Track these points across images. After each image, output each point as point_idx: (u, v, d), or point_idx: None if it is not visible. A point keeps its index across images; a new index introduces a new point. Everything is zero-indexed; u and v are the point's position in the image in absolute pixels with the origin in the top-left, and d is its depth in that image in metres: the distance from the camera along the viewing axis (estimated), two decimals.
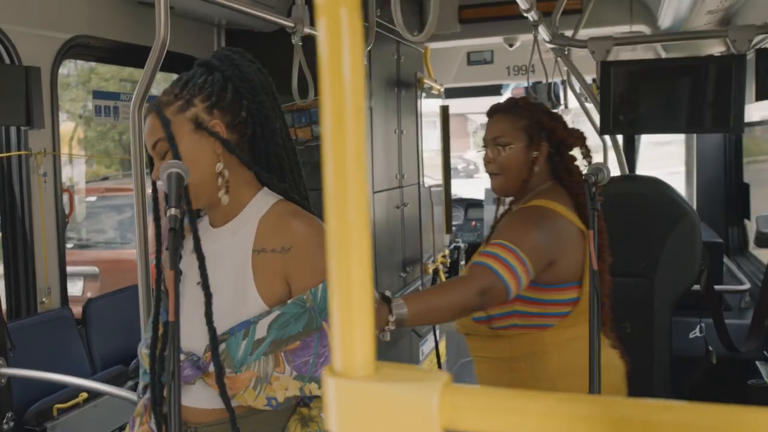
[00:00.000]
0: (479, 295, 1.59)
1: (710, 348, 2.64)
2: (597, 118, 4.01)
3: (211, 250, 1.33)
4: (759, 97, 2.64)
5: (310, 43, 3.69)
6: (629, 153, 4.08)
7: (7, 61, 2.32)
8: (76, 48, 2.58)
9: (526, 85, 4.83)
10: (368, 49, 3.17)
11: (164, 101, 1.34)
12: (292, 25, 2.39)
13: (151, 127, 1.33)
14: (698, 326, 2.67)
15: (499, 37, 4.20)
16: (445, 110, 4.39)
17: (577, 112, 4.51)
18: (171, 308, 1.12)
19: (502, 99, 1.94)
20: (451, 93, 5.51)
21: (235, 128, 1.35)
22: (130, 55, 2.89)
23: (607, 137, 3.36)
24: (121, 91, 2.91)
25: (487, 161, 1.87)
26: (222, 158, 1.34)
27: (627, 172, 2.97)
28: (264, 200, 1.38)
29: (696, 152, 4.09)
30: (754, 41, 2.68)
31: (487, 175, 1.90)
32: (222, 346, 1.29)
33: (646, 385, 2.62)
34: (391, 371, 0.34)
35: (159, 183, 1.25)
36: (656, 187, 2.59)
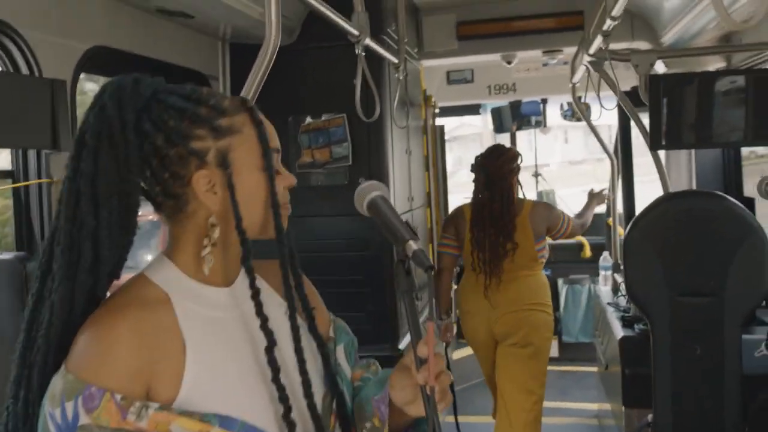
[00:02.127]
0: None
1: None
2: (610, 133, 3.94)
3: (235, 313, 1.02)
4: None
5: (320, 54, 3.46)
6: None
7: (26, 73, 1.98)
8: (94, 60, 2.25)
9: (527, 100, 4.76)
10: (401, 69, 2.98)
11: None
12: (357, 33, 2.16)
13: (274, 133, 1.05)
14: (763, 343, 2.60)
15: (497, 54, 4.10)
16: (441, 129, 4.25)
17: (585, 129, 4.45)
18: (431, 370, 0.87)
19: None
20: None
21: None
22: (146, 69, 2.58)
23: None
24: None
25: None
26: None
27: (669, 189, 2.88)
28: None
29: (695, 167, 4.10)
30: None
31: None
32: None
33: (716, 407, 2.52)
34: None
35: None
36: (722, 202, 2.50)
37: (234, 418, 0.91)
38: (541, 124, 5.99)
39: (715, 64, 3.94)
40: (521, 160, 3.30)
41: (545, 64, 4.98)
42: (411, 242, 0.91)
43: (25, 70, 1.98)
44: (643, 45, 3.87)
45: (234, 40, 3.15)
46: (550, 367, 3.36)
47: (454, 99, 5.23)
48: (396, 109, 3.24)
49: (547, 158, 6.60)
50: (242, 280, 1.01)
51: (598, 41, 2.60)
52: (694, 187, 3.16)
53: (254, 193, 0.98)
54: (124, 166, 0.91)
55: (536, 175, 6.25)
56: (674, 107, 2.65)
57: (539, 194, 5.84)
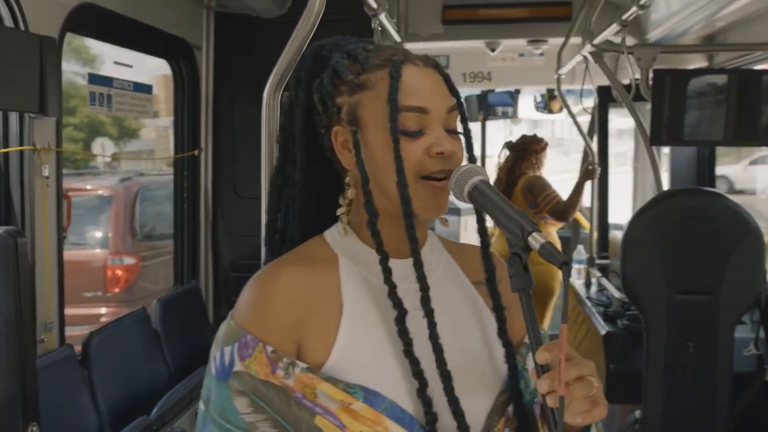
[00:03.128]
0: None
1: (766, 366, 2.59)
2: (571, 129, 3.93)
3: (409, 287, 0.94)
4: None
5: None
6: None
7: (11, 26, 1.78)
8: (81, 18, 2.06)
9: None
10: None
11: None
12: (375, 6, 2.03)
13: (444, 88, 0.93)
14: (752, 343, 2.61)
15: (481, 41, 4.02)
16: None
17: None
18: (562, 374, 0.77)
19: None
20: None
21: None
22: (132, 33, 2.40)
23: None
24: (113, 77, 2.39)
25: None
26: None
27: (663, 187, 2.87)
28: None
29: (671, 165, 4.14)
30: None
31: None
32: (510, 409, 0.96)
33: (707, 405, 2.52)
34: None
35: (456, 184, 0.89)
36: (722, 201, 2.50)
37: (382, 396, 0.85)
38: (508, 114, 5.97)
39: (695, 63, 3.97)
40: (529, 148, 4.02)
41: (522, 54, 4.93)
42: (536, 234, 0.80)
43: (9, 23, 1.78)
44: (629, 41, 3.86)
45: (220, 8, 2.97)
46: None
47: None
48: None
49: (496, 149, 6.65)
50: (428, 252, 0.97)
51: (610, 31, 2.54)
52: (659, 181, 3.18)
53: (382, 156, 0.90)
54: (294, 121, 0.96)
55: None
56: (677, 103, 2.62)
57: None
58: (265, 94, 1.37)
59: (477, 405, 0.92)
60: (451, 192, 0.90)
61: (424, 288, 0.90)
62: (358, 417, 0.84)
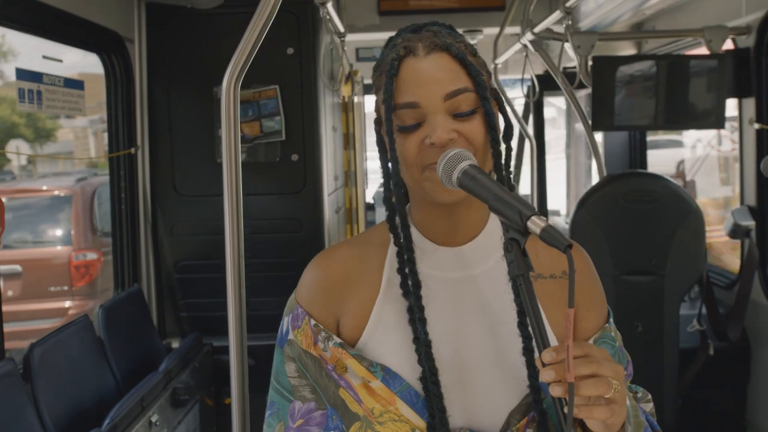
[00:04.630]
0: None
1: (708, 341, 2.69)
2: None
3: (461, 275, 0.95)
4: (730, 95, 2.74)
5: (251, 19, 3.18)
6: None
7: None
8: (2, 8, 1.92)
9: None
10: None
11: (456, 44, 0.91)
12: None
13: (450, 70, 0.89)
14: (695, 319, 2.71)
15: None
16: (362, 107, 4.12)
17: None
18: (570, 359, 0.76)
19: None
20: None
21: None
22: (58, 24, 2.26)
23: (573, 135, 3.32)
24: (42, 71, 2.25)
25: None
26: None
27: (605, 172, 2.93)
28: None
29: (604, 149, 4.25)
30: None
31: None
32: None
33: (656, 381, 2.60)
34: None
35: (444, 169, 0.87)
36: (663, 183, 2.57)
37: (400, 377, 0.89)
38: None
39: (625, 50, 4.09)
40: None
41: None
42: (535, 218, 0.78)
43: None
44: (557, 29, 3.93)
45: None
46: None
47: (363, 76, 5.10)
48: (325, 82, 3.08)
49: None
50: (479, 244, 0.95)
51: (552, 19, 2.57)
52: (601, 166, 3.25)
53: (392, 153, 0.92)
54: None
55: None
56: (615, 89, 2.68)
57: None
58: (224, 85, 1.31)
59: (496, 402, 0.90)
60: (441, 180, 0.88)
61: (417, 298, 0.90)
62: (374, 394, 0.89)
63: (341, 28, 2.72)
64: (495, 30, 3.76)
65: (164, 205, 2.96)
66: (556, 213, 4.98)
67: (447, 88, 0.89)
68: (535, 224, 0.78)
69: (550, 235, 0.77)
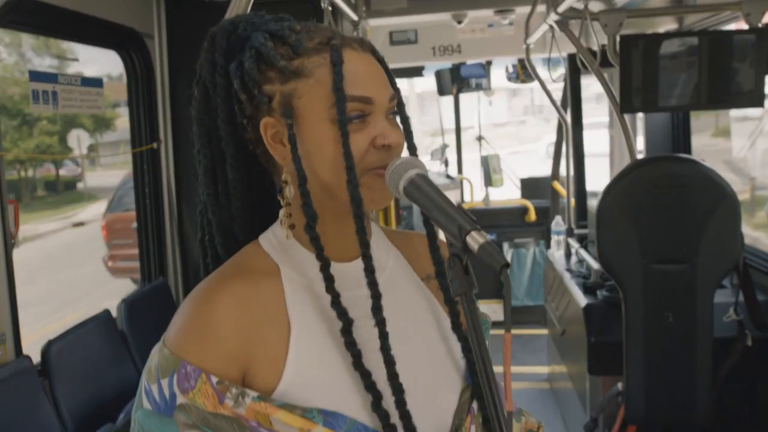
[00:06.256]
0: None
1: (746, 331, 2.56)
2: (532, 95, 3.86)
3: (359, 293, 0.87)
4: None
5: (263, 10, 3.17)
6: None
7: None
8: (15, 12, 1.95)
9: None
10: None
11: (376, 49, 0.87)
12: None
13: (383, 74, 0.86)
14: (731, 308, 2.58)
15: (447, 14, 3.91)
16: None
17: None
18: (508, 389, 0.71)
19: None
20: None
21: None
22: (73, 25, 2.28)
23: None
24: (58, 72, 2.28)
25: None
26: None
27: (635, 155, 2.81)
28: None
29: (646, 131, 4.08)
30: None
31: None
32: (474, 405, 0.90)
33: (687, 373, 2.49)
34: None
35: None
36: (696, 167, 2.44)
37: (342, 415, 0.79)
38: (481, 86, 5.89)
39: (665, 26, 3.90)
40: None
41: (491, 25, 4.84)
42: (474, 233, 0.73)
43: None
44: (597, 5, 3.77)
45: None
46: (493, 332, 3.26)
47: (397, 61, 5.02)
48: None
49: (472, 120, 6.66)
50: (374, 249, 0.87)
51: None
52: (633, 150, 3.12)
53: (325, 150, 0.81)
54: (215, 112, 0.85)
55: (480, 138, 6.15)
56: (646, 69, 2.55)
57: (483, 158, 5.75)
58: None
59: (443, 407, 0.87)
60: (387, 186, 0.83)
61: (376, 295, 0.82)
62: None
63: (354, 17, 2.67)
64: (528, 9, 3.65)
65: (189, 198, 2.99)
66: (597, 195, 4.83)
67: (390, 90, 0.85)
68: (474, 240, 0.73)
69: (486, 253, 0.72)
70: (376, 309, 0.83)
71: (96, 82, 2.48)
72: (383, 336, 0.82)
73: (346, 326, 0.81)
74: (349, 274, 0.86)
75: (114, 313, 2.47)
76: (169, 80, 2.90)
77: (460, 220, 0.75)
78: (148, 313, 2.61)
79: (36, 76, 2.15)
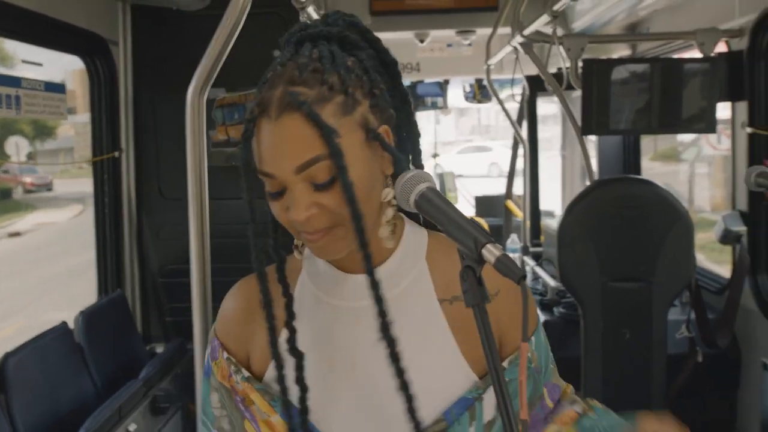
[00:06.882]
0: None
1: (697, 348, 2.66)
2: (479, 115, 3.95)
3: (364, 304, 0.89)
4: (723, 99, 2.71)
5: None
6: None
7: None
8: None
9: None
10: None
11: (311, 94, 0.81)
12: None
13: (300, 138, 0.80)
14: (683, 326, 2.67)
15: (410, 32, 3.97)
16: None
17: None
18: (523, 397, 0.73)
19: None
20: None
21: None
22: (38, 28, 2.23)
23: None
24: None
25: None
26: (390, 182, 0.89)
27: (595, 177, 2.90)
28: (416, 233, 0.96)
29: (598, 153, 4.21)
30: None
31: None
32: None
33: (644, 389, 2.57)
34: None
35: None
36: (652, 189, 2.54)
37: (298, 410, 0.89)
38: (437, 105, 5.98)
39: (619, 52, 4.05)
40: None
41: (449, 45, 4.93)
42: (490, 246, 0.75)
43: None
44: (548, 31, 3.89)
45: (137, 1, 2.81)
46: None
47: None
48: None
49: (427, 138, 6.74)
50: (396, 263, 0.92)
51: (540, 21, 2.54)
52: (591, 171, 3.22)
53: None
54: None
55: (435, 155, 6.22)
56: (605, 92, 2.65)
57: (438, 176, 5.81)
58: (189, 94, 1.28)
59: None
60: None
61: (382, 314, 0.84)
62: (275, 429, 0.90)
63: None
64: (489, 30, 3.73)
65: (149, 208, 2.93)
66: (550, 214, 4.95)
67: (297, 161, 0.80)
68: (490, 252, 0.75)
69: (504, 265, 0.74)
70: (384, 327, 0.85)
71: (59, 88, 2.42)
72: (394, 358, 0.85)
73: (291, 336, 0.89)
74: (360, 285, 0.89)
75: (71, 325, 2.40)
76: (133, 88, 2.86)
77: (475, 233, 0.76)
78: (105, 326, 2.54)
79: (1, 80, 2.09)
